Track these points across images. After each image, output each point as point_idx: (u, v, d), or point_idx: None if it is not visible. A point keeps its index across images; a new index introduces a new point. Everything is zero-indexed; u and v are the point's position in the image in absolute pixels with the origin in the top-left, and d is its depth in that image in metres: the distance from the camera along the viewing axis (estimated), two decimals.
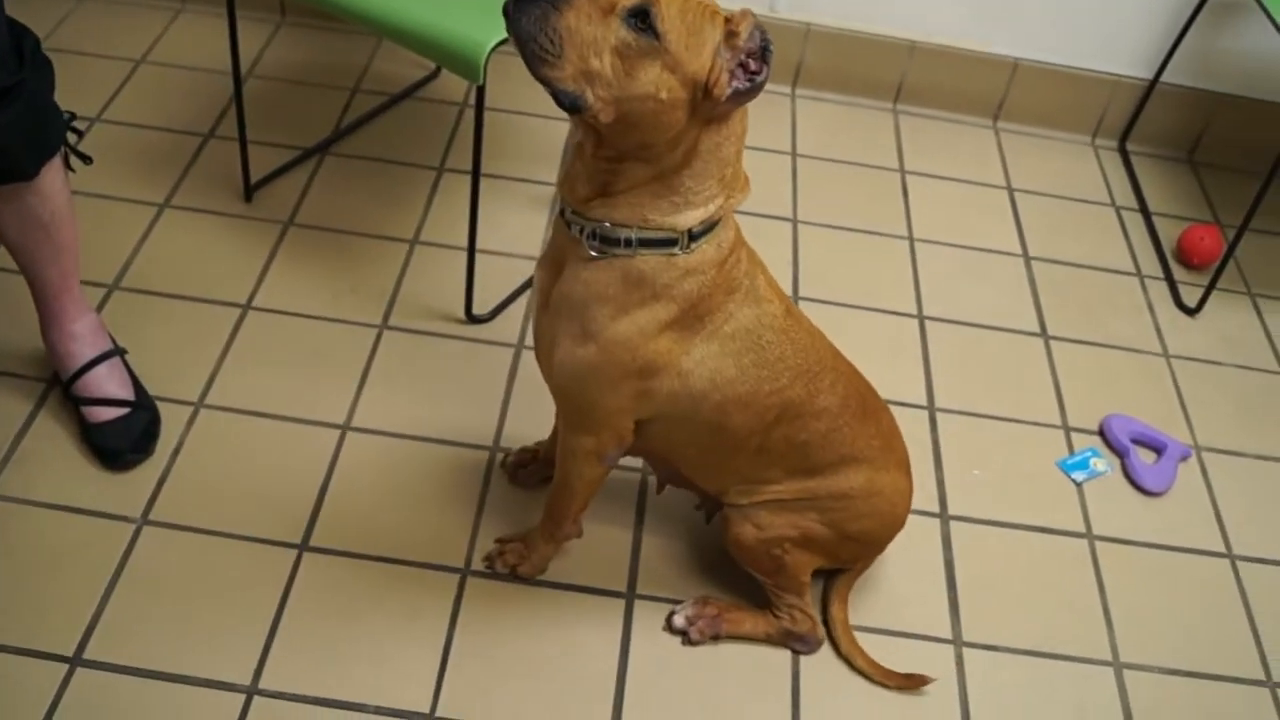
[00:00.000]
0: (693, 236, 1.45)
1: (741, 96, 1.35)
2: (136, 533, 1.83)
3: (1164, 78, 2.85)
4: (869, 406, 1.72)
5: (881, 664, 1.80)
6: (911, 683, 1.79)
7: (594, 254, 1.46)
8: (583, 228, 1.46)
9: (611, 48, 1.31)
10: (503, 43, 1.89)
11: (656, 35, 1.30)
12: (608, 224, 1.44)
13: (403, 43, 1.95)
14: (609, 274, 1.47)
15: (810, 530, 1.72)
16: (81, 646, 1.69)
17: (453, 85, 2.81)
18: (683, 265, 1.46)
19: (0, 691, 1.63)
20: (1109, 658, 1.88)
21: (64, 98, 1.79)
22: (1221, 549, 2.07)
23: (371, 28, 1.96)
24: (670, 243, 1.45)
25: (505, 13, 1.32)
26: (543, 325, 1.60)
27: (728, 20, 1.33)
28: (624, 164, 1.41)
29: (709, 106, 1.35)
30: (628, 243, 1.44)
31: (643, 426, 1.63)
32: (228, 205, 2.41)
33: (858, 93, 2.98)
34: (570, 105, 1.34)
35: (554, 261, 1.56)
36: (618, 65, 1.32)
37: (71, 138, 1.83)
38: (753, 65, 1.34)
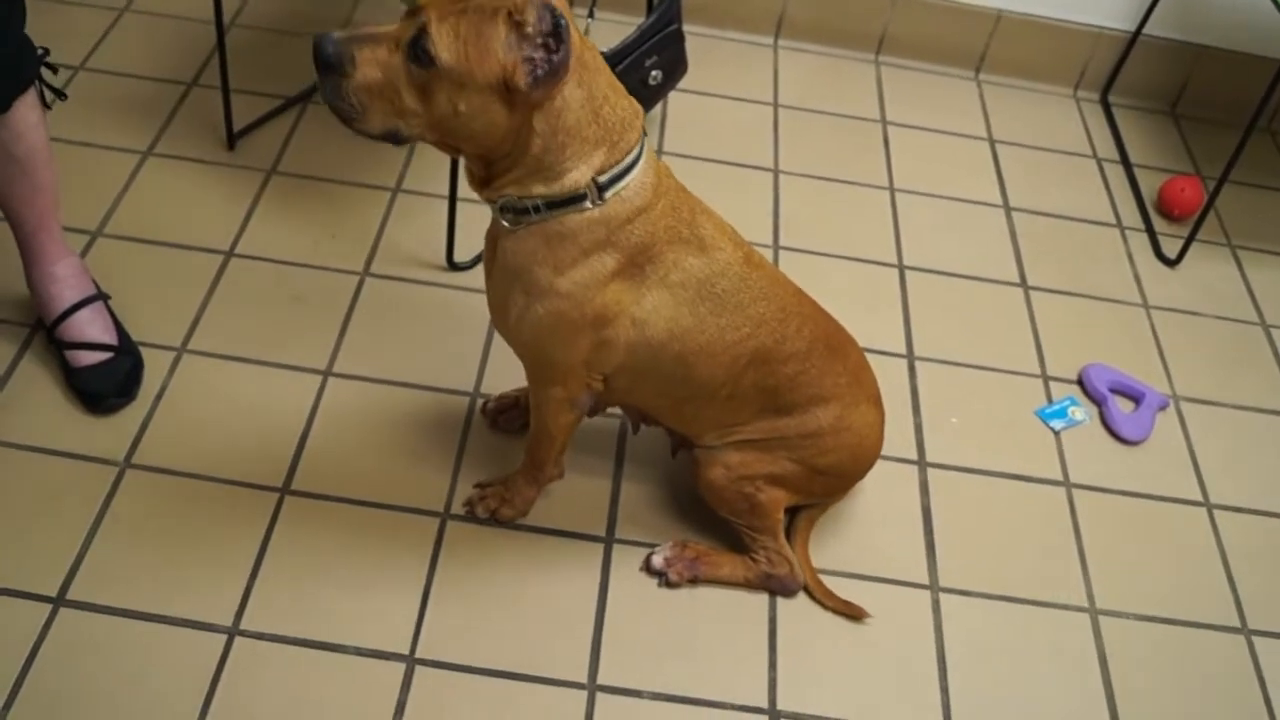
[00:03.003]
0: (601, 188, 1.46)
1: (545, 80, 1.36)
2: (119, 475, 1.85)
3: (1146, 30, 2.85)
4: (835, 345, 1.73)
5: (834, 593, 1.83)
6: (850, 609, 1.82)
7: (508, 225, 1.50)
8: (493, 202, 1.50)
9: (404, 84, 1.36)
10: None
11: (433, 61, 1.32)
12: (512, 196, 1.48)
13: None
14: (532, 240, 1.50)
15: (781, 467, 1.74)
16: (65, 587, 1.70)
17: None
18: (603, 217, 1.48)
19: None
20: (1085, 604, 1.90)
21: (48, 45, 1.80)
22: (1198, 497, 2.09)
23: None
24: (578, 199, 1.46)
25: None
26: (490, 295, 1.64)
27: (511, 12, 1.32)
28: (486, 160, 1.46)
29: (522, 97, 1.36)
30: (535, 209, 1.47)
31: (611, 379, 1.65)
32: (211, 153, 2.41)
33: (840, 44, 2.97)
34: (390, 140, 1.42)
35: (491, 236, 1.61)
36: (413, 97, 1.37)
37: (46, 75, 1.83)
38: (551, 45, 1.33)
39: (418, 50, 1.33)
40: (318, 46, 1.35)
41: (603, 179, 1.45)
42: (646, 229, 1.50)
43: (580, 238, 1.48)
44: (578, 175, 1.45)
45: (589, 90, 1.42)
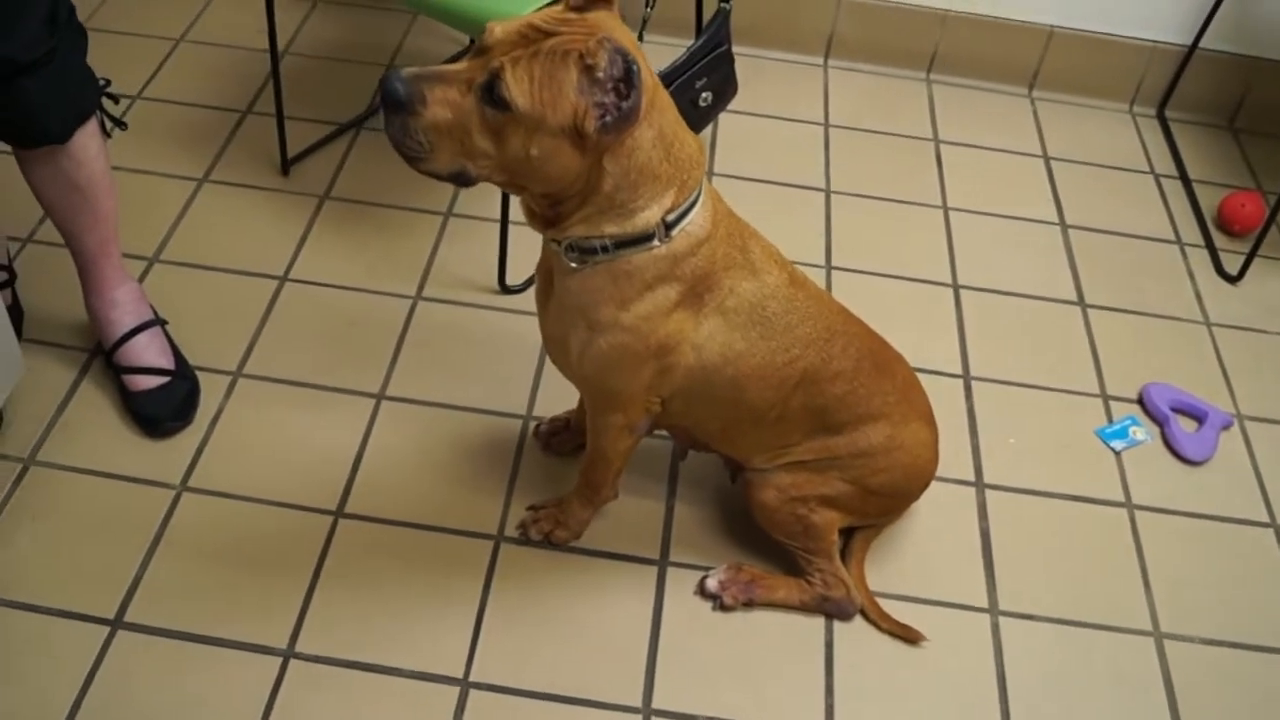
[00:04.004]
0: (668, 226, 1.46)
1: (615, 126, 1.34)
2: (176, 499, 1.86)
3: (1202, 44, 2.81)
4: (882, 362, 1.72)
5: (891, 616, 1.81)
6: (907, 633, 1.79)
7: (574, 265, 1.49)
8: (559, 242, 1.48)
9: (476, 126, 1.34)
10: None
11: (508, 106, 1.31)
12: (579, 236, 1.47)
13: (437, 17, 1.96)
14: (597, 278, 1.49)
15: (833, 488, 1.73)
16: (122, 609, 1.72)
17: None
18: (669, 253, 1.47)
19: (43, 652, 1.67)
20: (1149, 627, 1.86)
21: (106, 75, 1.83)
22: (1264, 518, 2.04)
23: (405, 2, 1.97)
24: (646, 238, 1.46)
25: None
26: (547, 330, 1.64)
27: (583, 55, 1.31)
28: (553, 200, 1.44)
29: (592, 141, 1.35)
30: (604, 248, 1.46)
31: (666, 403, 1.65)
32: (265, 179, 2.44)
33: (890, 63, 2.96)
34: (456, 181, 1.41)
35: (545, 271, 1.60)
36: (485, 139, 1.35)
37: (108, 105, 1.86)
38: (621, 90, 1.32)
39: (492, 93, 1.32)
40: (387, 84, 1.33)
41: (670, 218, 1.45)
42: (707, 259, 1.50)
43: (646, 273, 1.48)
44: (649, 215, 1.44)
45: (659, 130, 1.41)
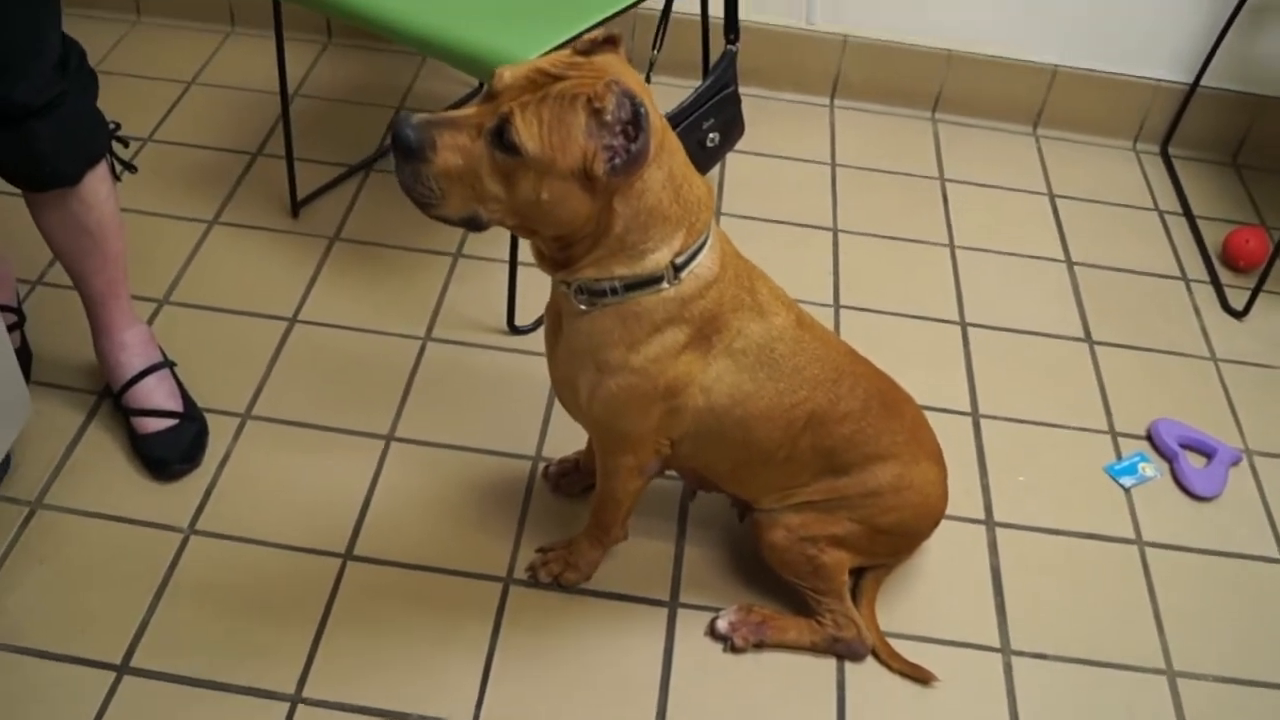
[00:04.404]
0: (677, 269, 1.46)
1: (624, 168, 1.34)
2: (184, 542, 1.86)
3: (1204, 81, 2.82)
4: (890, 402, 1.72)
5: (902, 656, 1.80)
6: (918, 673, 1.78)
7: (584, 307, 1.49)
8: (568, 284, 1.49)
9: (486, 171, 1.35)
10: (543, 56, 1.92)
11: (518, 150, 1.32)
12: (589, 278, 1.47)
13: (446, 59, 1.97)
14: (606, 320, 1.49)
15: (843, 527, 1.72)
16: (129, 654, 1.71)
17: None
18: (677, 295, 1.47)
19: (49, 698, 1.66)
20: (1162, 665, 1.85)
21: (118, 118, 1.85)
22: (1275, 554, 2.03)
23: (415, 45, 1.99)
24: (655, 280, 1.46)
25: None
26: (556, 372, 1.64)
27: (591, 99, 1.31)
28: (564, 243, 1.44)
29: (602, 184, 1.36)
30: (613, 290, 1.46)
31: (676, 444, 1.64)
32: (275, 221, 2.45)
33: (896, 102, 2.97)
34: (468, 226, 1.41)
35: (554, 312, 1.60)
36: (496, 184, 1.36)
37: (118, 148, 1.87)
38: (630, 132, 1.32)
39: (502, 138, 1.32)
40: (398, 131, 1.34)
41: (679, 260, 1.45)
42: (715, 300, 1.50)
43: (655, 315, 1.48)
44: (659, 257, 1.44)
45: (669, 171, 1.41)
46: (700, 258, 1.48)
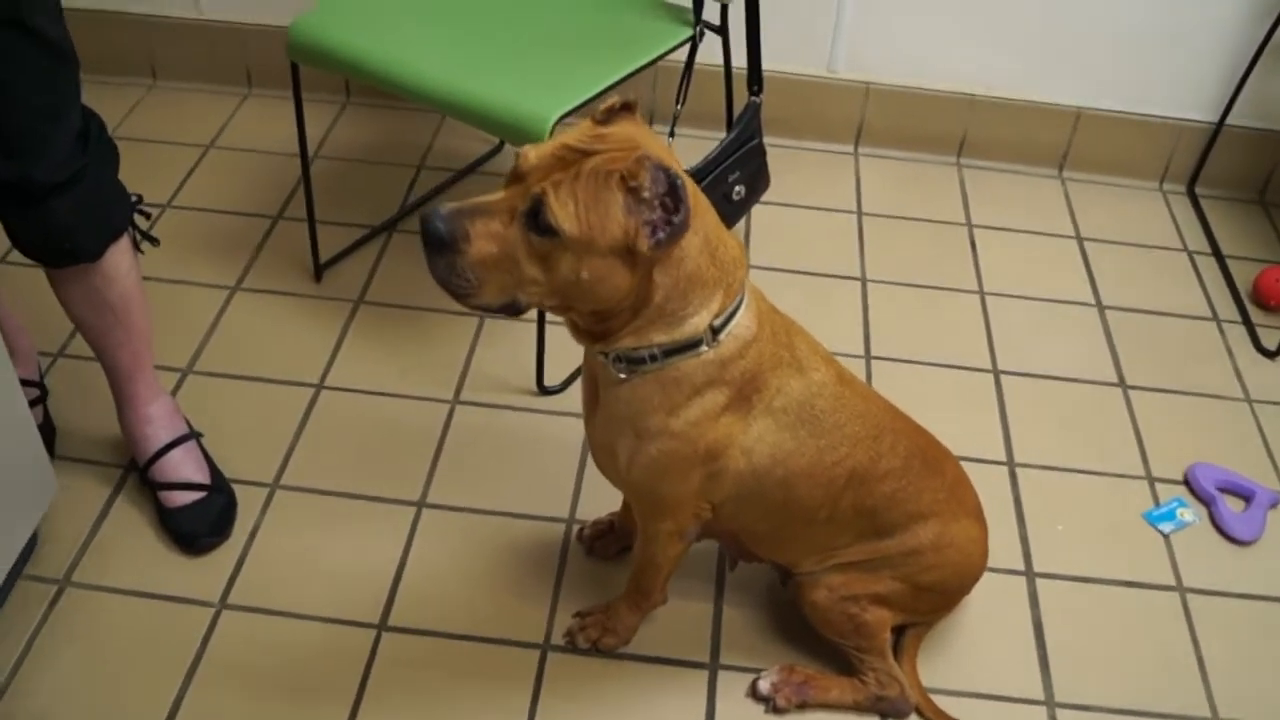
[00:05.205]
0: (715, 331, 1.44)
1: (668, 242, 1.32)
2: (215, 617, 1.83)
3: (1229, 120, 2.81)
4: (930, 459, 1.70)
5: (946, 713, 1.78)
6: None
7: (623, 375, 1.47)
8: (606, 354, 1.47)
9: (523, 255, 1.32)
10: (567, 115, 1.91)
11: (555, 232, 1.29)
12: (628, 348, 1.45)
13: (466, 119, 1.97)
14: (646, 388, 1.47)
15: (885, 586, 1.70)
16: None
17: None
18: (716, 357, 1.45)
19: None
20: (1208, 713, 1.82)
21: (135, 185, 1.83)
22: None
23: (434, 105, 1.98)
24: (694, 344, 1.44)
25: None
26: (594, 438, 1.62)
27: (624, 177, 1.29)
28: (602, 317, 1.42)
29: (645, 258, 1.34)
30: (653, 358, 1.44)
31: (717, 508, 1.62)
32: (298, 285, 2.44)
33: (920, 149, 2.96)
34: (507, 312, 1.39)
35: (590, 381, 1.58)
36: (534, 267, 1.33)
37: (139, 220, 1.86)
38: (668, 204, 1.30)
39: (538, 220, 1.30)
40: (428, 225, 1.31)
41: (718, 322, 1.43)
42: (754, 360, 1.48)
43: (695, 379, 1.46)
44: (698, 321, 1.42)
45: (704, 236, 1.39)
46: (738, 317, 1.46)
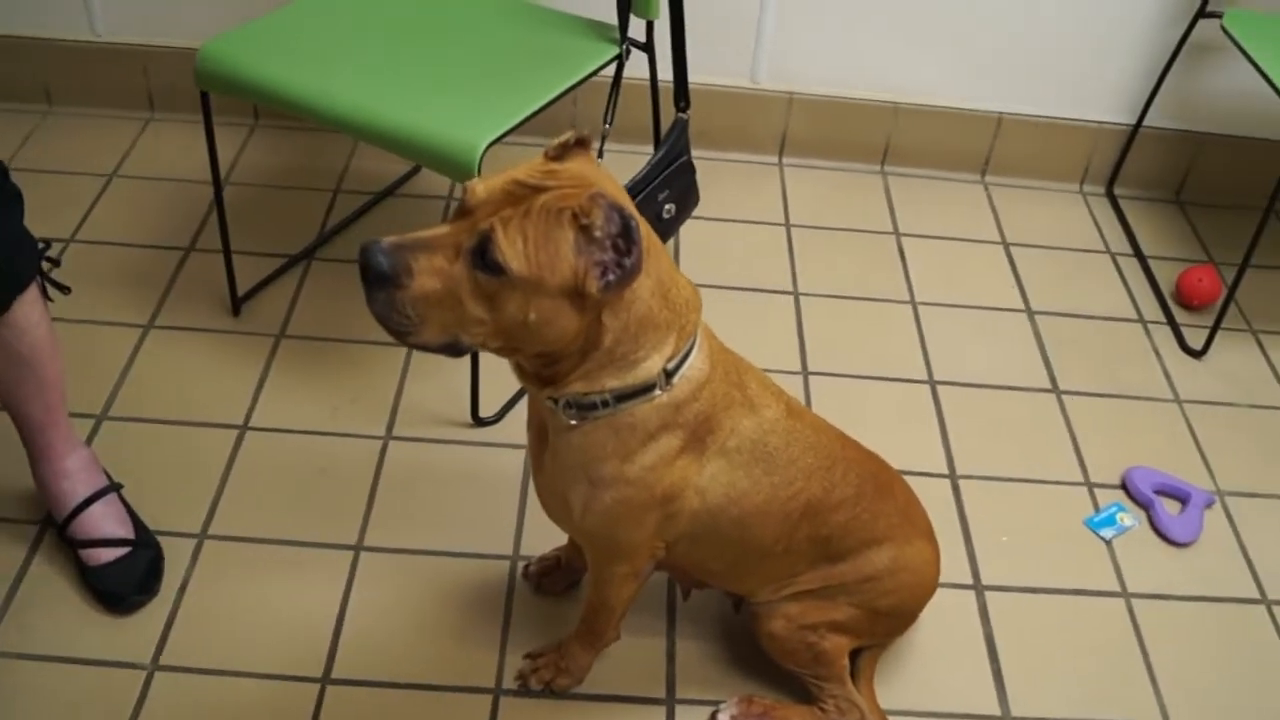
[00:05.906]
0: (669, 374, 1.40)
1: (618, 284, 1.28)
2: (148, 680, 1.75)
3: (1146, 121, 2.86)
4: (882, 484, 1.69)
5: None
6: None
7: (573, 422, 1.42)
8: (555, 399, 1.42)
9: (468, 293, 1.27)
10: (496, 142, 1.86)
11: (502, 270, 1.25)
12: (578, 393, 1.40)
13: (393, 149, 1.90)
14: (599, 434, 1.43)
15: (842, 613, 1.69)
16: None
17: (437, 178, 2.76)
18: (670, 401, 1.41)
19: None
20: (1159, 718, 1.83)
21: (35, 219, 1.72)
22: (1255, 594, 2.04)
23: (360, 136, 1.92)
24: (648, 389, 1.40)
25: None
26: (544, 486, 1.57)
27: (576, 215, 1.25)
28: (549, 360, 1.37)
29: (593, 300, 1.29)
30: (604, 403, 1.40)
31: (671, 546, 1.59)
32: (215, 321, 2.35)
33: (844, 157, 2.96)
34: (448, 352, 1.33)
35: (538, 426, 1.53)
36: (479, 306, 1.28)
37: (47, 268, 1.77)
38: (621, 246, 1.26)
39: (484, 258, 1.24)
40: (368, 258, 1.25)
41: (670, 365, 1.39)
42: (708, 401, 1.44)
43: (649, 424, 1.42)
44: (651, 365, 1.38)
45: (656, 277, 1.35)
46: (691, 359, 1.42)
